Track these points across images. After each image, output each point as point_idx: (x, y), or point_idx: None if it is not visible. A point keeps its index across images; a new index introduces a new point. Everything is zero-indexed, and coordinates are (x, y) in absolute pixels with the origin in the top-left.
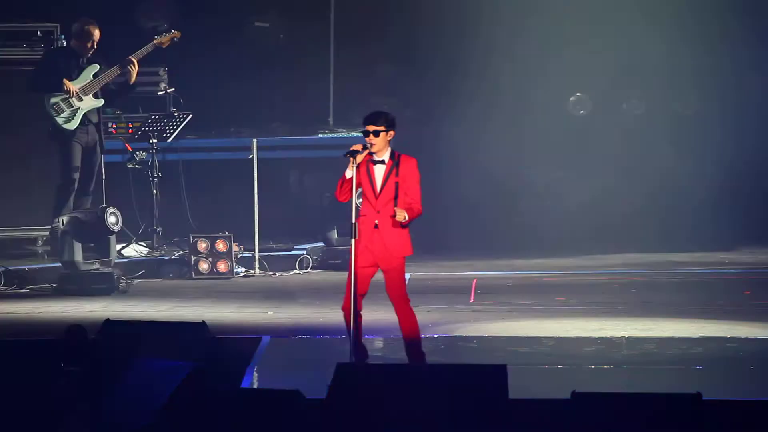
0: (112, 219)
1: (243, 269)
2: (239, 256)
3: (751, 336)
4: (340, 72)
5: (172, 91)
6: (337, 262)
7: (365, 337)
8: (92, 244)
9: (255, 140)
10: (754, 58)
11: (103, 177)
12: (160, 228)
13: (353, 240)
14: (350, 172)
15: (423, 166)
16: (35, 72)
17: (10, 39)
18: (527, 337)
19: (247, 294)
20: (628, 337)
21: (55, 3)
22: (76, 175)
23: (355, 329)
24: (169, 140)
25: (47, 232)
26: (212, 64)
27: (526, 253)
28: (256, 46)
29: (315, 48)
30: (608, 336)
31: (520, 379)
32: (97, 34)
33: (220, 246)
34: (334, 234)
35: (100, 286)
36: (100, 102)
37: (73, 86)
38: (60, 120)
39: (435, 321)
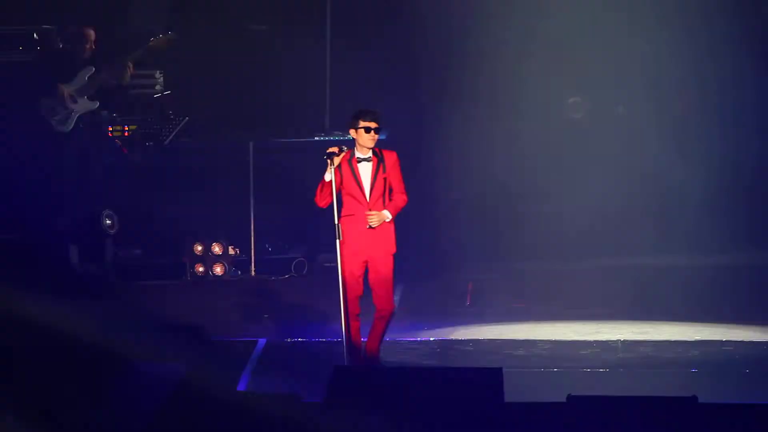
0: (107, 221)
1: (239, 272)
2: (235, 258)
3: (746, 339)
4: (336, 74)
5: (168, 94)
6: (332, 265)
7: (363, 339)
8: (88, 247)
9: (251, 143)
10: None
11: (99, 180)
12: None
13: (338, 241)
14: (329, 175)
15: (419, 169)
16: (32, 74)
17: (6, 41)
18: (523, 340)
19: (242, 297)
20: (624, 340)
21: (51, 5)
22: (72, 178)
23: (352, 332)
24: (166, 143)
25: (43, 235)
26: (208, 67)
27: (524, 255)
28: (252, 49)
29: (311, 50)
30: (604, 339)
31: (515, 382)
32: (92, 36)
33: (216, 249)
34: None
35: (96, 288)
36: (95, 104)
37: (67, 89)
38: (54, 122)
39: (431, 324)
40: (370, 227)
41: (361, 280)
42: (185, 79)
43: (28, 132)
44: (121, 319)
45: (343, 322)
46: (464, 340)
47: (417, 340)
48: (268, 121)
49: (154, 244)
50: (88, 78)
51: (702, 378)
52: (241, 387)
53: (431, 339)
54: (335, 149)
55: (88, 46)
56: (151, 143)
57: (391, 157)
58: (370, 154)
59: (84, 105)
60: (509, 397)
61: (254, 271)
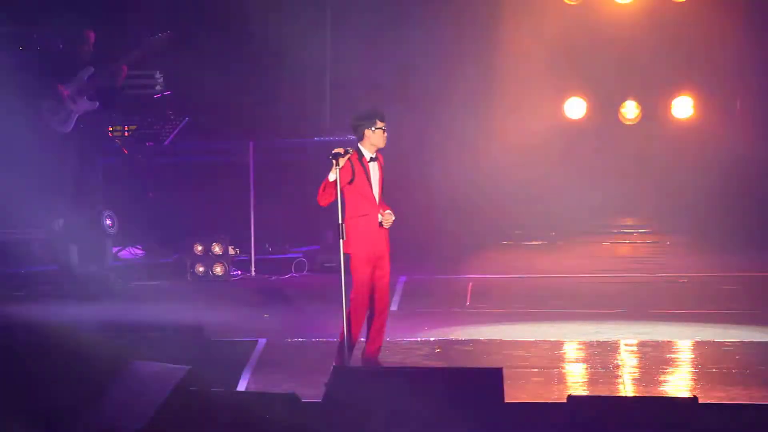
0: (107, 222)
1: (239, 272)
2: (235, 258)
3: (746, 340)
4: (336, 75)
5: (168, 94)
6: (332, 265)
7: (361, 339)
8: (88, 247)
9: (251, 143)
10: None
11: (100, 179)
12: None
13: (341, 241)
14: (333, 175)
15: (418, 169)
16: (31, 75)
17: (6, 42)
18: (523, 340)
19: (243, 297)
20: (624, 341)
21: (51, 6)
22: (72, 178)
23: (356, 331)
24: (166, 143)
25: (43, 235)
26: (208, 68)
27: (524, 255)
28: (253, 50)
29: (311, 51)
30: (604, 339)
31: (515, 382)
32: (92, 37)
33: (216, 249)
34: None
35: (96, 288)
36: (95, 104)
37: (66, 89)
38: (54, 122)
39: (431, 324)
40: (383, 226)
41: (372, 279)
42: (185, 79)
43: (28, 132)
44: (121, 319)
45: (345, 319)
46: (464, 340)
47: (417, 340)
48: (268, 122)
49: (154, 245)
50: (88, 78)
51: (702, 378)
52: (240, 386)
53: (431, 339)
54: (341, 150)
55: (88, 47)
56: (151, 143)
57: (381, 158)
58: (375, 154)
59: (84, 105)
60: (509, 397)
61: (254, 271)
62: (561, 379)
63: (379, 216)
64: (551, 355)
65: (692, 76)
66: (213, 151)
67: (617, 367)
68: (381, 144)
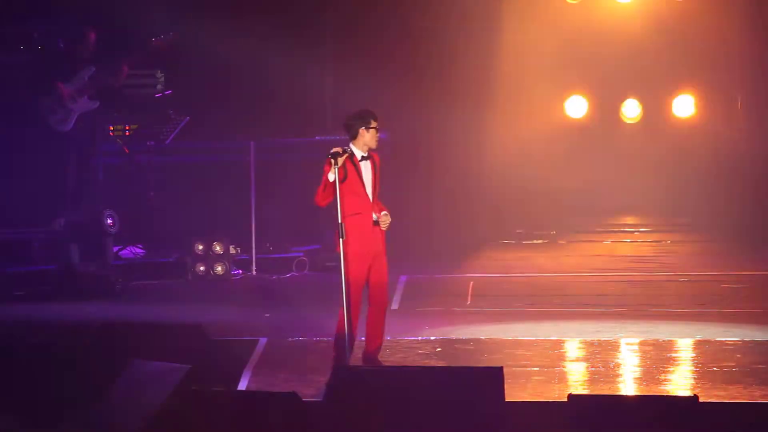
0: (108, 221)
1: (240, 271)
2: (236, 258)
3: (747, 338)
4: (337, 75)
5: (169, 94)
6: (333, 264)
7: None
8: (89, 246)
9: (252, 143)
10: None
11: (100, 179)
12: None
13: (341, 240)
14: (332, 175)
15: (418, 168)
16: (32, 74)
17: (7, 41)
18: (524, 339)
19: (243, 296)
20: (625, 340)
21: (52, 6)
22: (72, 177)
23: (354, 327)
24: (166, 143)
25: (43, 235)
26: (209, 67)
27: (525, 254)
28: (254, 49)
29: (312, 50)
30: (605, 338)
31: (516, 381)
32: (92, 37)
33: (217, 248)
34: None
35: (97, 288)
36: (95, 104)
37: (66, 88)
38: (54, 122)
39: (432, 323)
40: (378, 226)
41: (366, 277)
42: (185, 79)
43: (28, 132)
44: (121, 319)
45: (346, 318)
46: (465, 339)
47: (417, 340)
48: (270, 121)
49: (155, 244)
50: (89, 78)
51: (703, 377)
52: (241, 386)
53: (432, 338)
54: (339, 149)
55: (88, 47)
56: (151, 143)
57: (377, 158)
58: (366, 153)
59: (84, 105)
60: (510, 396)
61: (255, 270)
62: (562, 378)
63: (375, 216)
64: (552, 354)
65: (693, 74)
66: (214, 150)
67: (618, 366)
68: (373, 144)
